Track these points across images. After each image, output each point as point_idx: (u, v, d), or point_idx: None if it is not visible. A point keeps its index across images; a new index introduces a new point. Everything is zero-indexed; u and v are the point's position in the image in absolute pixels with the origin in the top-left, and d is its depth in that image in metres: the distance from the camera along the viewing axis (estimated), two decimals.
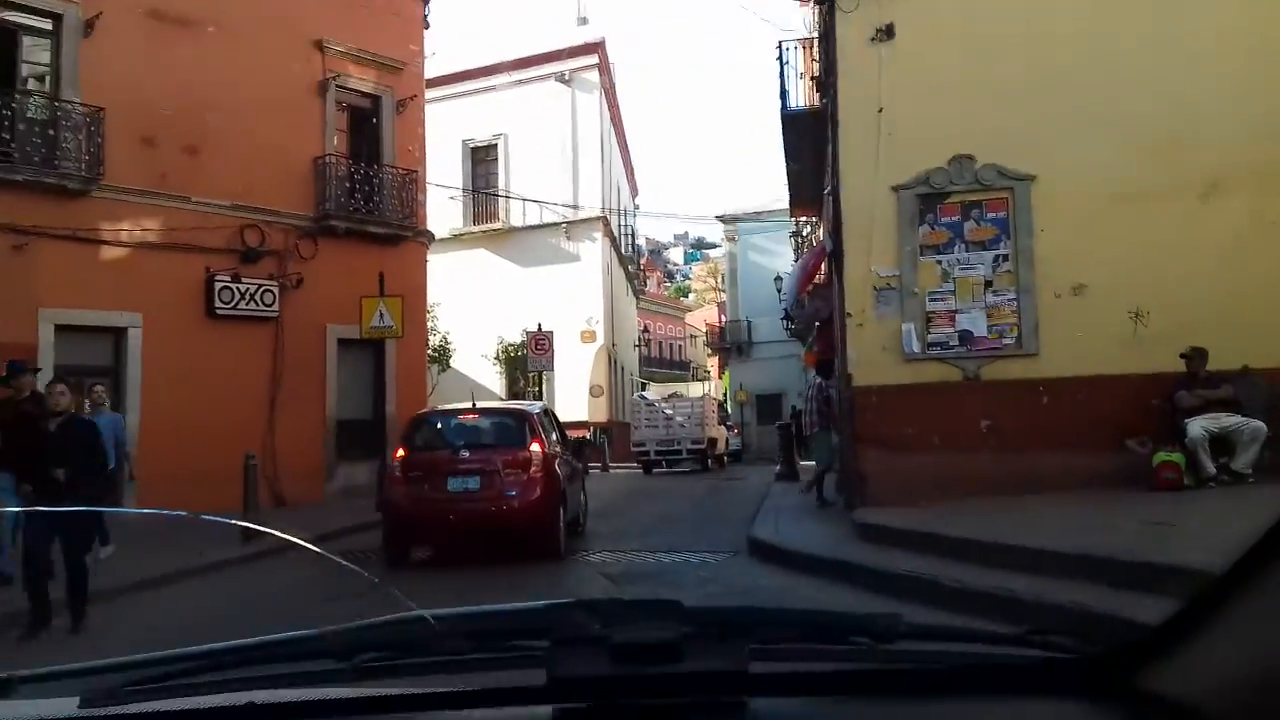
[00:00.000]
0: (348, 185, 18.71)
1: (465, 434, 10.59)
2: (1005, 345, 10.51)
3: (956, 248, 10.70)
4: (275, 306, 17.50)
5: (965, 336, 10.60)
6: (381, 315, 16.45)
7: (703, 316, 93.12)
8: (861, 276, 10.73)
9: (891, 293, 10.66)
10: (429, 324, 26.98)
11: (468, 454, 10.03)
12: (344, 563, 1.95)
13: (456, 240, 32.78)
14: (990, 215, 10.67)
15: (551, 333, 24.17)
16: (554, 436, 11.45)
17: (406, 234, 19.47)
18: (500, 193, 31.97)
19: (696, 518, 14.56)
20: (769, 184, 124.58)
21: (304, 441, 17.75)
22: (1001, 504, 9.27)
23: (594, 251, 32.18)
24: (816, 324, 15.74)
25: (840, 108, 10.93)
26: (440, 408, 12.80)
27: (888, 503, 10.12)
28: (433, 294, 28.19)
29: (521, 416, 10.76)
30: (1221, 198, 10.20)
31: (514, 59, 31.99)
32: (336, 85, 18.73)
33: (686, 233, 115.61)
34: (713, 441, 28.99)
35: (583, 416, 30.86)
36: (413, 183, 19.57)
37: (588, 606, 1.29)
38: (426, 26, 20.72)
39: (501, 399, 32.26)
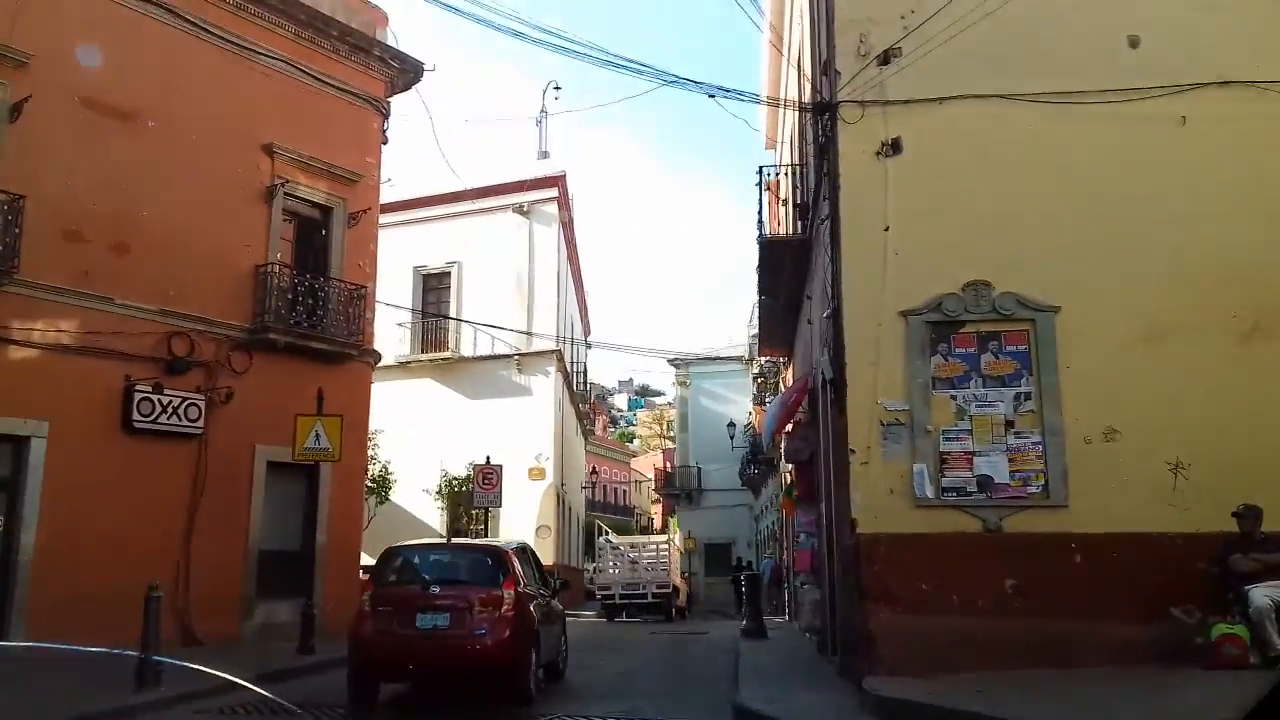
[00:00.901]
0: (290, 297, 17.36)
1: (437, 569, 10.48)
2: (1030, 494, 9.30)
3: (973, 382, 9.59)
4: (200, 422, 15.84)
5: (985, 482, 9.38)
6: (318, 436, 14.92)
7: (648, 463, 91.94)
8: (867, 410, 9.53)
9: (901, 429, 9.47)
10: (369, 452, 25.35)
11: (438, 589, 9.86)
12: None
13: (403, 368, 31.36)
14: (1010, 348, 9.62)
15: (500, 467, 22.62)
16: (533, 575, 11.19)
17: (351, 352, 18.05)
18: (454, 318, 30.74)
19: (667, 674, 12.93)
20: (722, 329, 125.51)
21: (222, 572, 15.87)
22: (1039, 679, 7.91)
23: (546, 386, 30.92)
24: (790, 466, 14.45)
25: (842, 224, 9.93)
26: (413, 542, 12.50)
27: (901, 670, 8.68)
28: (375, 421, 26.69)
29: (496, 554, 10.51)
30: (1265, 340, 9.25)
31: (472, 188, 31.27)
32: (285, 192, 17.56)
33: (631, 379, 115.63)
34: (676, 590, 28.93)
35: None
36: (361, 298, 18.28)
37: None
38: (384, 141, 19.79)
39: (441, 537, 30.34)
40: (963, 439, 9.47)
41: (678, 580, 29.80)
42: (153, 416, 15.30)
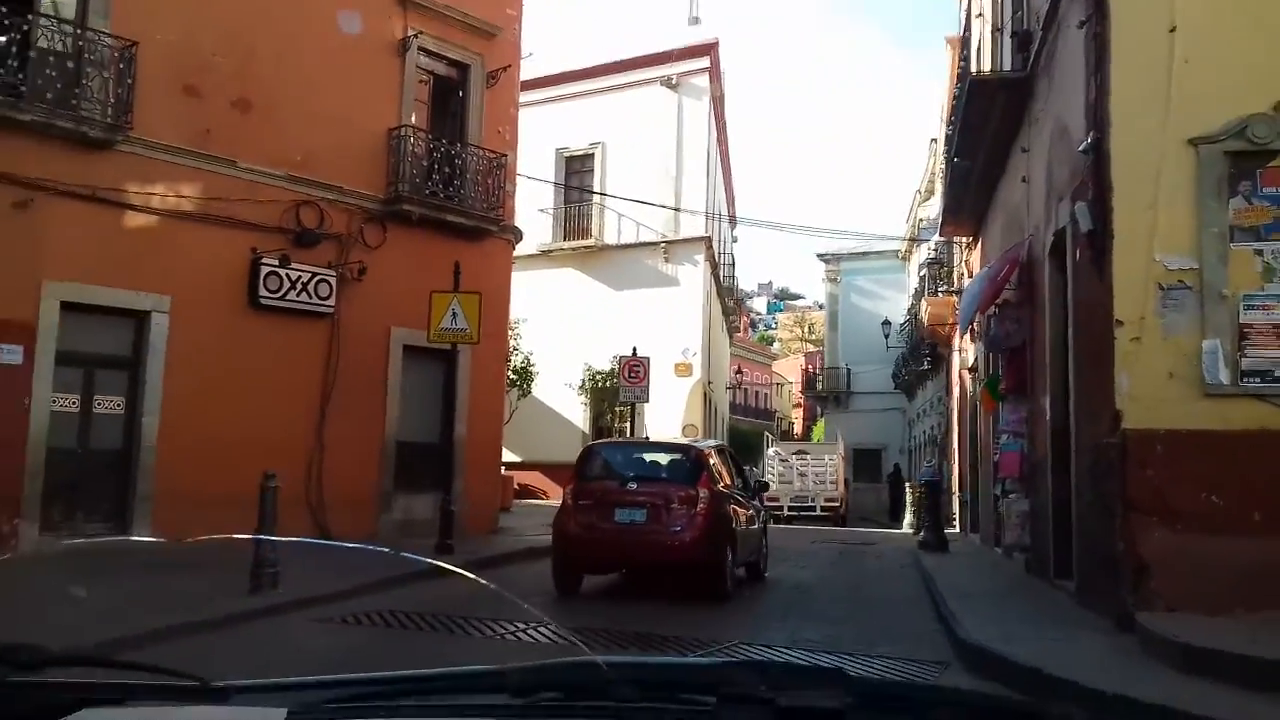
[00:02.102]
0: (425, 165, 15.85)
1: (635, 466, 10.64)
2: None
3: None
4: (331, 300, 14.63)
5: None
6: (455, 315, 13.47)
7: (789, 366, 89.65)
8: (1140, 270, 7.33)
9: (1186, 294, 7.25)
10: (511, 340, 24.12)
11: (636, 486, 10.06)
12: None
13: (545, 257, 29.94)
14: None
15: (648, 359, 20.96)
16: (731, 475, 11.35)
17: (490, 228, 16.51)
18: (601, 193, 28.91)
19: (847, 594, 11.16)
20: (877, 221, 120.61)
21: (357, 464, 14.83)
22: None
23: (695, 276, 29.01)
24: (988, 356, 12.26)
25: (1112, 23, 7.59)
26: (613, 440, 13.43)
27: (1181, 605, 6.68)
28: (516, 309, 25.44)
29: (692, 452, 10.61)
30: None
31: (616, 61, 29.19)
32: (419, 47, 15.94)
33: (770, 282, 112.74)
34: (844, 500, 28.78)
35: None
36: (501, 168, 16.64)
37: (755, 667, 1.32)
38: None
39: (585, 434, 29.20)
40: (1271, 308, 7.21)
41: (843, 491, 29.34)
42: (281, 293, 14.13)
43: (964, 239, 19.14)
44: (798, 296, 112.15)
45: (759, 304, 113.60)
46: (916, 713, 1.32)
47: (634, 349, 20.98)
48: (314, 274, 14.45)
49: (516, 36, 17.57)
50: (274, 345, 14.05)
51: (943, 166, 19.30)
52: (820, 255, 51.16)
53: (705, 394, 29.91)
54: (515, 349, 24.90)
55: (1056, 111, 9.55)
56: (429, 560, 8.17)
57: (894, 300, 47.14)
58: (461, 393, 16.09)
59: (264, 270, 13.94)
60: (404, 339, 15.45)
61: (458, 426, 15.97)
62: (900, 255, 47.59)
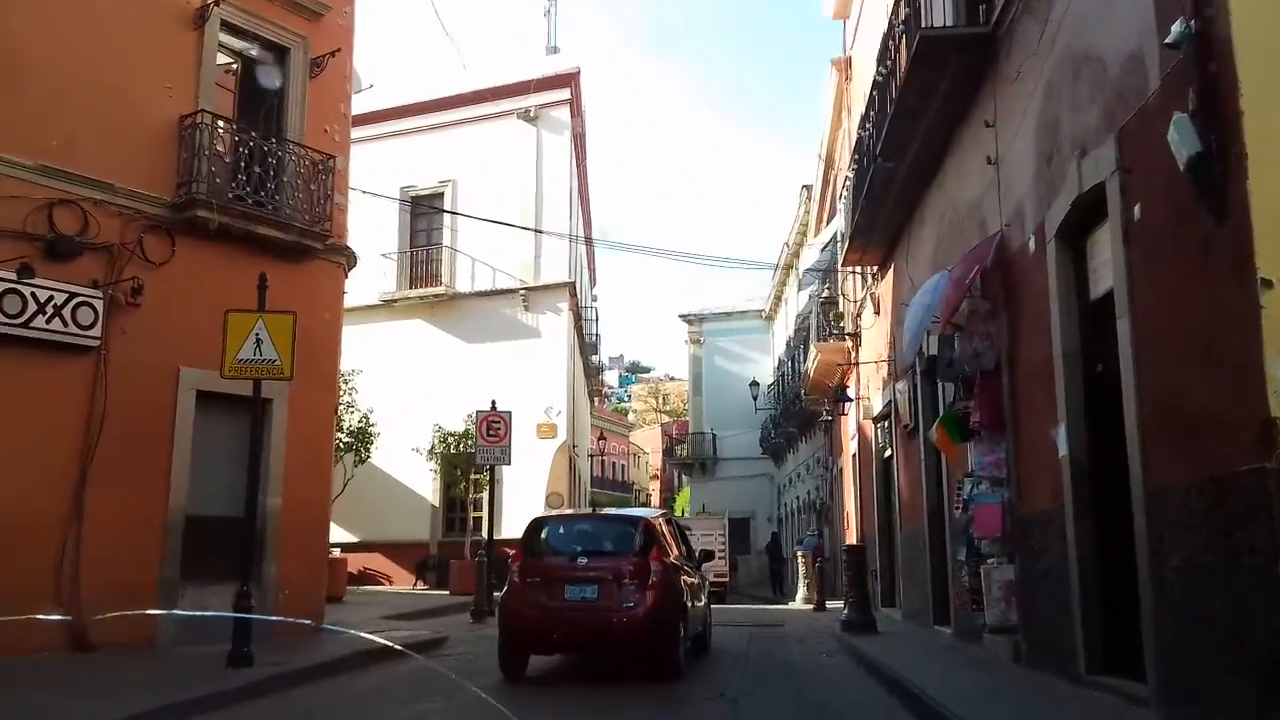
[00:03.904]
0: (230, 163, 12.60)
1: (584, 540, 10.30)
2: None
3: None
4: (97, 330, 11.11)
5: None
6: (259, 343, 10.18)
7: (645, 437, 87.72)
8: None
9: None
10: (346, 394, 20.64)
11: (586, 561, 9.77)
12: None
13: (388, 307, 26.68)
14: None
15: (509, 413, 17.92)
16: (679, 546, 11.14)
17: (314, 245, 13.29)
18: (474, 215, 25.88)
19: (793, 706, 8.25)
20: (739, 285, 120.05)
21: (130, 547, 11.22)
22: None
23: (558, 326, 26.14)
24: (956, 384, 9.76)
25: None
26: (559, 512, 12.78)
27: None
28: (354, 363, 22.03)
29: (642, 524, 10.24)
30: None
31: (468, 92, 26.44)
32: (222, 20, 12.78)
33: (622, 355, 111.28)
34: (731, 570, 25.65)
35: None
36: (329, 174, 13.49)
37: None
38: None
39: (434, 507, 25.68)
40: None
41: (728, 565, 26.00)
42: (22, 318, 10.57)
43: (869, 268, 16.92)
44: (649, 369, 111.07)
45: (611, 377, 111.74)
46: None
47: (493, 402, 17.90)
48: (71, 295, 10.92)
49: (349, 20, 14.57)
50: (16, 387, 10.49)
51: (845, 192, 17.12)
52: (683, 316, 49.19)
53: (571, 459, 26.89)
54: (351, 405, 21.39)
55: (1068, 43, 7.18)
56: None
57: (759, 362, 45.43)
58: (275, 452, 12.70)
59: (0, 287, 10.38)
60: (198, 382, 12.00)
61: (269, 496, 12.56)
62: (764, 315, 46.06)
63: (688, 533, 13.40)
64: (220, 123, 12.62)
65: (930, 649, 10.84)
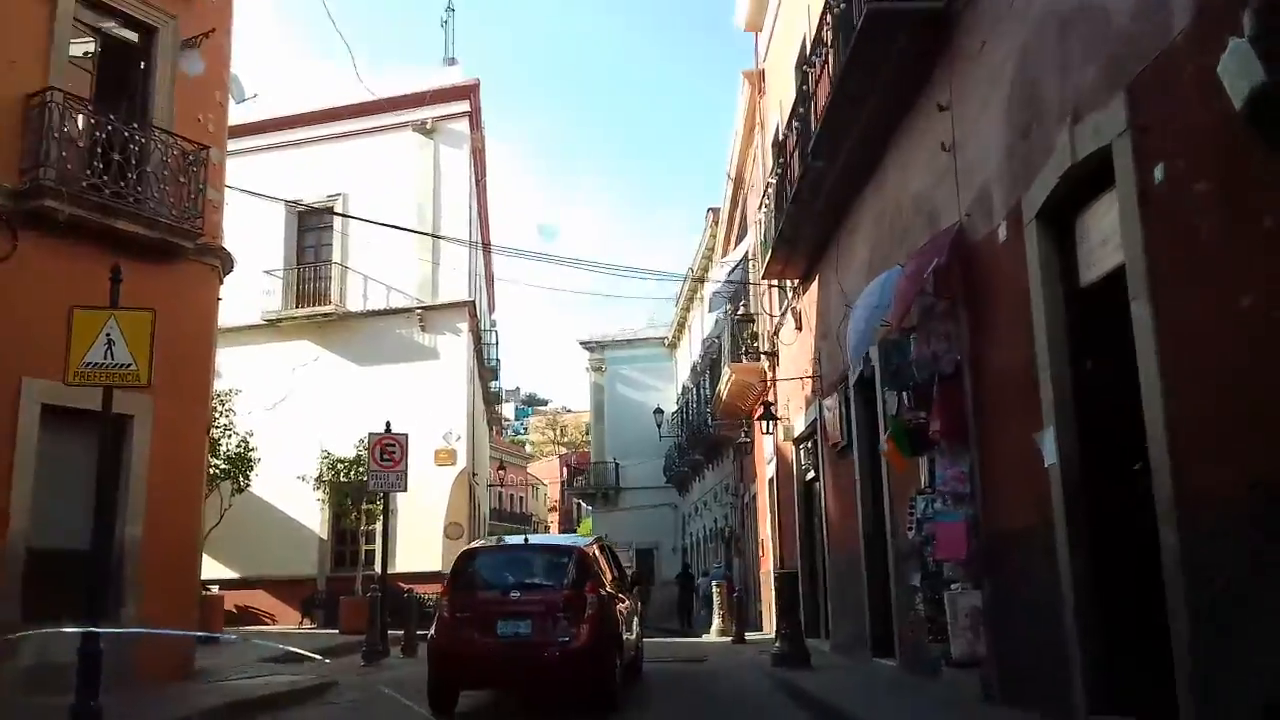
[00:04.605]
0: (84, 148, 11.09)
1: (516, 571, 10.00)
2: None
3: None
4: None
5: None
6: (111, 344, 8.68)
7: (543, 469, 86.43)
8: None
9: None
10: (222, 415, 18.94)
11: (518, 594, 9.46)
12: None
13: (273, 328, 24.92)
14: None
15: (405, 436, 16.52)
16: (612, 575, 10.75)
17: (184, 244, 11.81)
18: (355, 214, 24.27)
19: None
20: (639, 311, 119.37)
21: None
22: None
23: (457, 348, 24.74)
24: (913, 385, 8.86)
25: None
26: (489, 543, 12.02)
27: None
28: (233, 381, 20.33)
29: (576, 554, 9.95)
30: None
31: (360, 102, 24.95)
32: None
33: (518, 388, 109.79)
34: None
35: (433, 565, 22.75)
36: (200, 166, 12.05)
37: None
38: None
39: (322, 539, 23.93)
40: None
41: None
42: None
43: (791, 281, 16.08)
44: (546, 402, 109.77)
45: (507, 410, 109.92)
46: None
47: (387, 424, 16.48)
48: None
49: (226, 1, 13.16)
50: None
51: (764, 203, 16.30)
52: (584, 343, 48.06)
53: (471, 488, 25.44)
54: (228, 428, 19.65)
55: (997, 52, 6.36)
56: None
57: (663, 391, 44.57)
58: (136, 475, 11.18)
59: None
60: (44, 394, 10.42)
61: (126, 526, 11.00)
62: (667, 343, 45.27)
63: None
64: (74, 103, 11.10)
65: (878, 684, 9.86)
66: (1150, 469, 5.39)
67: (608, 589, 9.92)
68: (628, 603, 11.08)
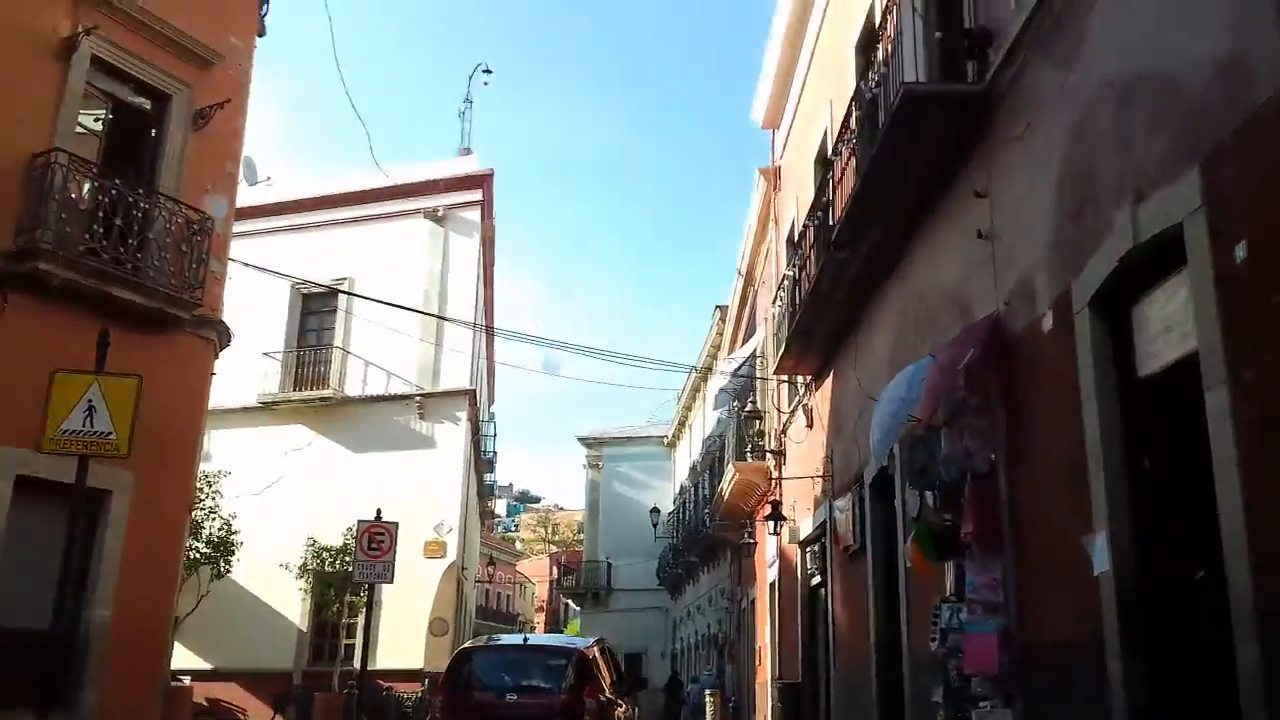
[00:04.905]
0: (86, 211, 10.79)
1: (513, 673, 9.87)
2: None
3: None
4: None
5: None
6: (92, 411, 8.21)
7: (534, 567, 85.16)
8: None
9: None
10: (207, 496, 18.32)
11: (515, 698, 9.35)
12: None
13: (268, 411, 24.41)
14: None
15: (396, 524, 15.87)
16: (610, 677, 10.58)
17: (181, 315, 11.43)
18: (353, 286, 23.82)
19: None
20: (638, 411, 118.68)
21: None
22: None
23: (455, 437, 24.19)
24: (939, 485, 8.34)
25: None
26: (486, 643, 11.87)
27: None
28: (221, 464, 19.77)
29: (575, 656, 9.84)
30: None
31: (372, 188, 24.93)
32: (94, 55, 11.12)
33: (511, 484, 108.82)
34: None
35: (414, 662, 21.82)
36: (205, 236, 11.73)
37: None
38: (262, 30, 13.54)
39: (301, 631, 23.00)
40: None
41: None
42: None
43: (804, 378, 15.66)
44: (538, 499, 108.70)
45: (499, 506, 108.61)
46: None
47: (378, 511, 15.86)
48: None
49: (243, 74, 13.02)
50: None
51: (778, 297, 15.99)
52: (582, 439, 47.53)
53: (459, 582, 24.60)
54: (213, 511, 18.98)
55: (1111, 73, 6.06)
56: None
57: (659, 489, 43.88)
58: (109, 554, 10.58)
59: None
60: (20, 465, 9.91)
61: (94, 607, 10.36)
62: (666, 442, 44.71)
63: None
64: (79, 165, 10.82)
65: None
66: (1219, 578, 4.89)
67: (607, 694, 9.85)
68: (625, 708, 11.00)
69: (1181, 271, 5.36)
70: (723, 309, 29.55)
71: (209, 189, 12.20)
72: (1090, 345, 6.23)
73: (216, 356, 12.53)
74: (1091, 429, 6.13)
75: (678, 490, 40.04)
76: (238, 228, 22.03)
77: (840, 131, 11.09)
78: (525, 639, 12.43)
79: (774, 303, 16.34)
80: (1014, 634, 7.31)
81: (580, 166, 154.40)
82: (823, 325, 13.13)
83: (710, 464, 28.34)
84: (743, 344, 24.07)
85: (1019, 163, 7.56)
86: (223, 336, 12.50)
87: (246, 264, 15.21)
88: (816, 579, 15.29)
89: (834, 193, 11.93)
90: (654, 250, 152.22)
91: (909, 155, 8.91)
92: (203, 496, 18.09)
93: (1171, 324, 5.56)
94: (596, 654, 10.35)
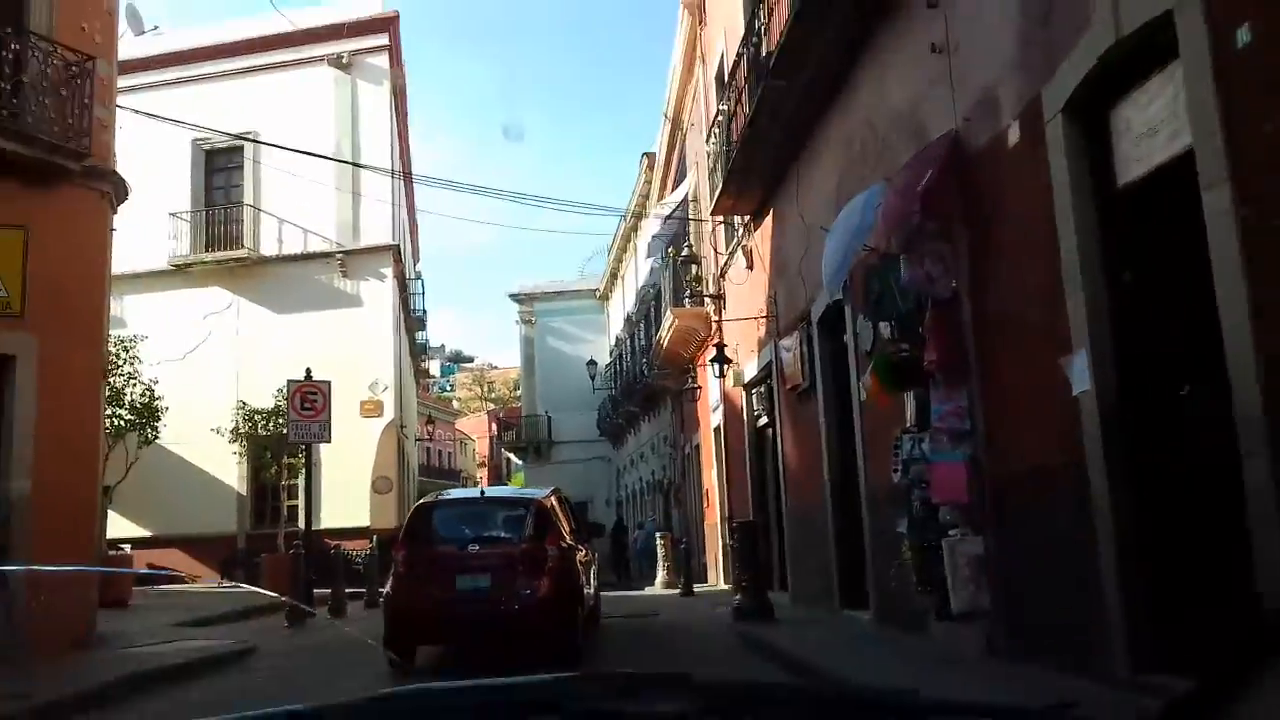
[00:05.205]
0: None
1: (474, 525, 9.80)
2: None
3: None
4: None
5: None
6: None
7: (473, 425, 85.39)
8: None
9: None
10: (125, 362, 17.57)
11: (477, 548, 9.31)
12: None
13: (180, 273, 23.36)
14: None
15: (328, 384, 15.31)
16: (570, 526, 10.45)
17: (69, 165, 10.44)
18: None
19: None
20: (570, 262, 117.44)
21: None
22: None
23: (381, 294, 23.42)
24: (897, 315, 8.02)
25: None
26: (446, 496, 11.26)
27: None
28: (138, 329, 18.93)
29: (534, 506, 9.76)
30: None
31: (271, 35, 23.30)
32: None
33: (443, 345, 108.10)
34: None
35: (360, 521, 21.61)
36: (87, 79, 10.65)
37: (600, 680, 1.36)
38: None
39: (240, 495, 22.61)
40: None
41: None
42: None
43: (742, 217, 15.14)
44: (471, 359, 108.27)
45: (433, 368, 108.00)
46: (769, 711, 1.31)
47: (308, 371, 15.27)
48: None
49: None
50: None
51: (712, 134, 15.30)
52: (513, 295, 46.69)
53: (399, 440, 24.24)
54: (132, 377, 18.22)
55: None
56: None
57: (595, 343, 43.54)
58: (20, 423, 9.89)
59: None
60: None
61: (11, 479, 9.74)
62: (599, 295, 44.17)
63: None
64: None
65: (858, 639, 9.11)
66: (1210, 392, 4.63)
67: (567, 541, 9.67)
68: (585, 554, 10.88)
69: (1169, 66, 4.92)
70: (650, 156, 28.64)
71: (85, 28, 11.03)
72: (1065, 154, 5.81)
73: (114, 211, 11.59)
74: (1068, 242, 5.76)
75: (613, 342, 39.81)
76: (127, 81, 20.61)
77: None
78: (482, 492, 12.36)
79: (708, 141, 15.66)
80: (982, 461, 7.12)
81: (490, 24, 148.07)
82: (761, 161, 12.57)
83: (646, 313, 27.96)
84: (673, 190, 23.40)
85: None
86: (119, 189, 11.53)
87: (137, 111, 14.04)
88: (763, 420, 15.17)
89: (768, 17, 11.21)
90: (576, 108, 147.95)
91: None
92: (120, 362, 17.28)
93: (1156, 125, 5.14)
94: (555, 503, 10.18)
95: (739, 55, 12.89)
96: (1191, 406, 5.06)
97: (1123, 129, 5.47)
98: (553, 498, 10.35)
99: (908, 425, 8.16)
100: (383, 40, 24.27)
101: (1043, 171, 6.02)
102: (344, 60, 23.97)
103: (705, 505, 21.49)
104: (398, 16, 24.72)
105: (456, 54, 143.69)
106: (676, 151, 24.17)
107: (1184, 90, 4.72)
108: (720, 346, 15.71)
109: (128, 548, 19.79)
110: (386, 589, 9.55)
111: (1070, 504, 5.85)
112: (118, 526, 20.33)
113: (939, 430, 7.38)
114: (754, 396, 15.67)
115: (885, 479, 8.59)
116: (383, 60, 24.33)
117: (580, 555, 10.27)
